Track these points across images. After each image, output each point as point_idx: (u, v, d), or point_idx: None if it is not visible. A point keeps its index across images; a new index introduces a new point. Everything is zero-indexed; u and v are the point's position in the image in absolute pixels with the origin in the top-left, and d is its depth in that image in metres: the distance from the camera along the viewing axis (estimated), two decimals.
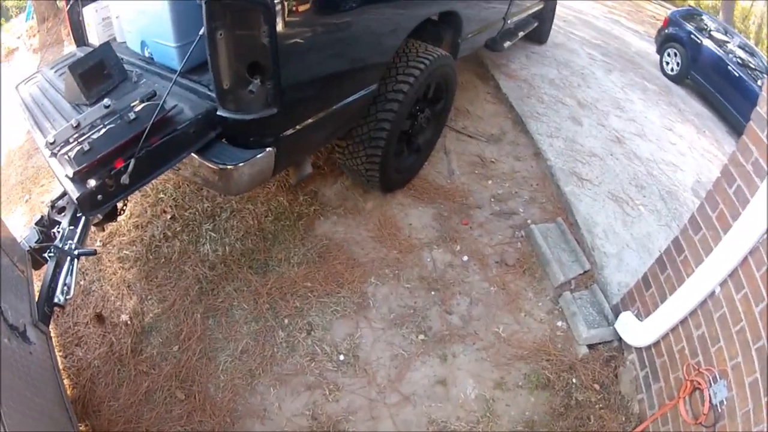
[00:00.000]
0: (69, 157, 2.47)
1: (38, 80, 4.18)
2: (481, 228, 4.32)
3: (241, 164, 2.80)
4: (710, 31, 12.43)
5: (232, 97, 2.81)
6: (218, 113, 2.86)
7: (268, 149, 2.90)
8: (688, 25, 12.62)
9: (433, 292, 3.83)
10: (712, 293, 2.81)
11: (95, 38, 4.36)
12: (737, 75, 10.92)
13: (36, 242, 3.19)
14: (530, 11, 7.54)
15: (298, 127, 3.08)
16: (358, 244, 4.04)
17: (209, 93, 2.98)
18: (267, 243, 3.98)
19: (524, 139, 5.76)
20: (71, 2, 4.44)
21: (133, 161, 2.51)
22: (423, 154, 4.66)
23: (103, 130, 2.58)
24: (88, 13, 4.30)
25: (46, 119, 3.37)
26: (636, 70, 10.71)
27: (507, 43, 6.37)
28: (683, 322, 3.04)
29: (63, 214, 3.25)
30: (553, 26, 9.72)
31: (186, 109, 2.89)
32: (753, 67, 11.24)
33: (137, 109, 2.69)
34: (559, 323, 3.79)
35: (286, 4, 2.63)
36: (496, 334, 3.69)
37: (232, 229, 4.05)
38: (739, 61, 11.33)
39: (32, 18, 17.40)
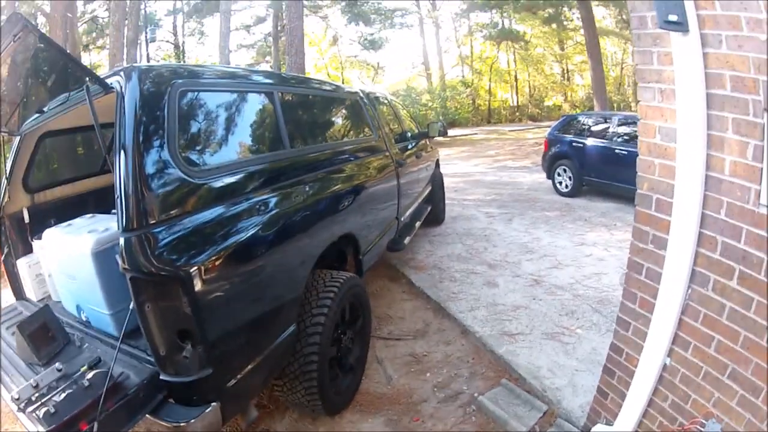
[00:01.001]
0: (38, 416, 2.67)
1: None
2: (433, 418, 4.45)
3: (192, 420, 2.96)
4: (589, 128, 12.82)
5: (169, 362, 3.03)
6: (161, 377, 3.06)
7: (213, 404, 3.06)
8: (566, 136, 13.10)
9: None
10: (664, 366, 3.01)
11: (31, 293, 4.61)
12: (625, 153, 11.07)
13: None
14: (420, 199, 8.19)
15: (234, 379, 3.27)
16: None
17: (149, 358, 3.19)
18: None
19: (448, 322, 6.12)
20: (5, 252, 4.71)
21: (96, 424, 2.68)
22: (357, 371, 4.82)
23: (63, 395, 2.78)
24: (22, 267, 4.58)
25: (4, 372, 3.55)
26: (533, 206, 11.53)
27: (407, 239, 6.94)
28: (650, 403, 3.18)
29: None
30: (445, 201, 10.54)
31: (132, 374, 3.09)
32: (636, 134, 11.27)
33: (89, 376, 2.92)
34: None
35: (202, 268, 2.95)
36: None
37: None
38: (625, 137, 11.54)
39: None
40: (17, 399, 2.88)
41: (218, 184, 3.42)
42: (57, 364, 3.10)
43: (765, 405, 2.54)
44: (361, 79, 44.08)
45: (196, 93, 3.54)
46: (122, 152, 2.92)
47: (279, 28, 33.71)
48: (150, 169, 2.99)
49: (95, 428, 2.69)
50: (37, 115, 4.33)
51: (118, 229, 2.87)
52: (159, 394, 3.07)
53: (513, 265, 7.74)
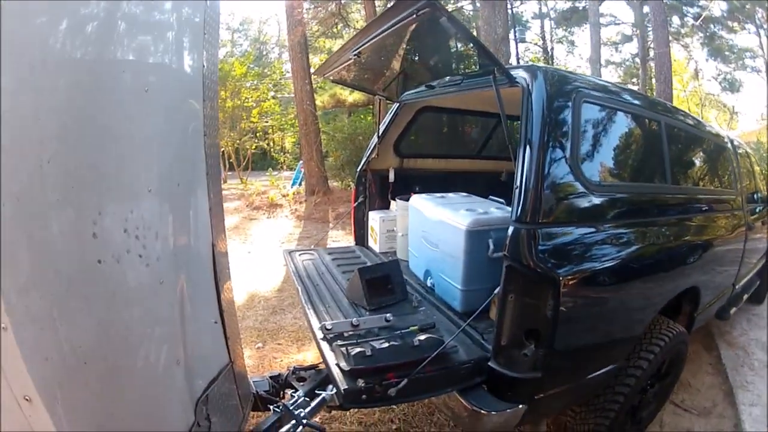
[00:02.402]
0: (349, 353, 2.85)
1: (315, 258, 4.75)
2: None
3: (496, 413, 2.99)
4: None
5: (506, 354, 3.09)
6: (488, 363, 3.12)
7: (520, 406, 3.07)
8: None
9: None
10: None
11: (374, 244, 4.96)
12: None
13: (265, 391, 3.42)
14: (754, 270, 7.64)
15: (552, 391, 3.27)
16: None
17: (483, 342, 3.32)
18: None
19: (730, 410, 5.67)
20: (359, 201, 5.15)
21: (406, 381, 2.79)
22: (642, 426, 4.65)
23: (387, 344, 2.95)
24: (375, 220, 4.92)
25: (320, 300, 3.94)
26: None
27: (733, 309, 6.54)
28: None
29: (302, 383, 3.50)
30: None
31: (461, 350, 3.20)
32: None
33: (421, 338, 3.07)
34: None
35: (571, 278, 3.01)
36: None
37: None
38: None
39: (300, 184, 19.52)
40: (329, 329, 3.10)
41: (602, 202, 3.45)
42: (387, 315, 3.31)
43: None
44: (718, 122, 41.81)
45: (596, 105, 3.58)
46: (528, 147, 3.05)
47: (644, 50, 32.76)
48: (552, 169, 3.10)
49: (403, 384, 2.80)
50: (424, 88, 4.57)
51: (511, 218, 2.99)
52: (478, 377, 3.14)
53: None
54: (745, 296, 7.30)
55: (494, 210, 4.10)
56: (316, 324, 3.41)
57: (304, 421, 3.06)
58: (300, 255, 4.98)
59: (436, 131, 6.22)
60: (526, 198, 2.97)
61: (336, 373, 2.87)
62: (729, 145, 6.27)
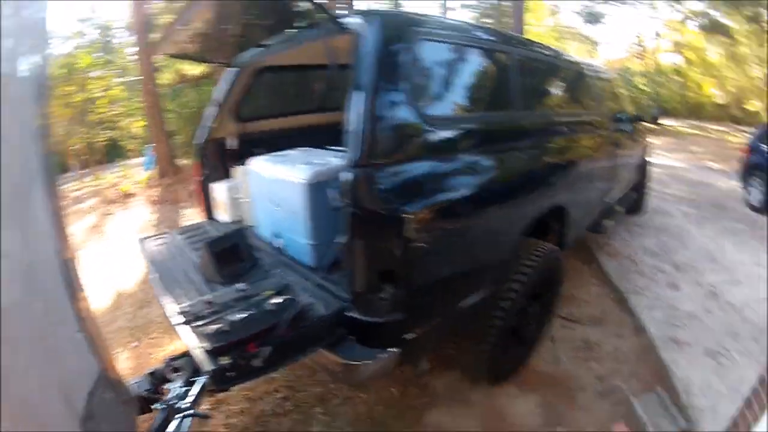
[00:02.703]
0: (207, 332, 2.82)
1: (168, 242, 4.64)
2: (583, 409, 4.45)
3: (368, 362, 3.04)
4: None
5: (363, 300, 3.12)
6: (348, 313, 3.16)
7: (392, 350, 3.13)
8: (765, 146, 11.72)
9: None
10: None
11: (223, 215, 4.91)
12: None
13: (147, 390, 3.26)
14: (627, 184, 8.08)
15: (421, 329, 3.31)
16: None
17: (340, 293, 3.33)
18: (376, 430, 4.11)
19: (626, 316, 6.07)
20: (204, 175, 5.03)
21: (268, 349, 2.80)
22: (530, 346, 4.86)
23: (242, 315, 2.94)
24: (220, 190, 4.86)
25: (176, 284, 3.78)
26: (726, 214, 10.97)
27: (609, 223, 6.88)
28: None
29: (178, 373, 3.32)
30: (647, 192, 10.22)
31: (318, 306, 3.21)
32: None
33: (274, 301, 3.08)
34: None
35: (419, 215, 3.03)
36: None
37: (343, 415, 4.21)
38: None
39: (152, 169, 18.71)
40: (186, 312, 3.07)
41: (444, 135, 3.51)
42: (239, 285, 3.32)
43: None
44: (579, 53, 42.79)
45: (433, 43, 3.58)
46: (359, 91, 3.03)
47: None
48: (385, 110, 3.10)
49: (267, 353, 2.81)
50: (259, 49, 4.53)
51: (346, 164, 2.97)
52: (341, 330, 3.19)
53: (697, 272, 7.51)
54: (620, 209, 7.72)
55: (334, 159, 4.15)
56: (173, 309, 3.33)
57: (191, 413, 2.94)
58: (153, 241, 4.88)
59: (278, 91, 6.07)
60: (358, 141, 2.98)
61: (198, 355, 2.86)
62: (588, 71, 6.54)
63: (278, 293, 3.26)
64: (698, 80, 41.99)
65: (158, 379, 3.34)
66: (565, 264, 4.93)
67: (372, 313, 3.15)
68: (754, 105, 40.87)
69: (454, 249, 3.49)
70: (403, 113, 3.21)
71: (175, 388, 3.10)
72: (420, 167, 3.27)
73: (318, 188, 3.84)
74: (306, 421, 4.25)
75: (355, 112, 3.02)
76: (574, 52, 40.23)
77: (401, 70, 3.26)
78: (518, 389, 4.62)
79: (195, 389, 3.03)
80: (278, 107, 6.03)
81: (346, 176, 2.96)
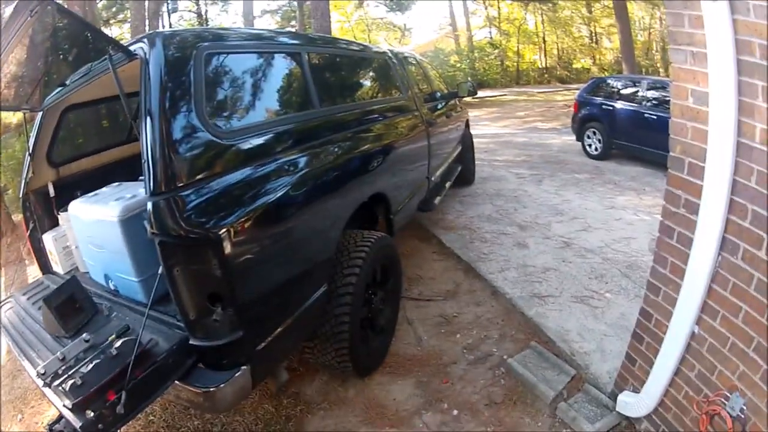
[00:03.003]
0: (64, 389, 2.64)
1: (13, 305, 4.38)
2: (462, 380, 4.44)
3: (222, 385, 2.95)
4: (618, 91, 12.59)
5: (199, 326, 3.01)
6: (190, 342, 3.04)
7: (243, 368, 3.05)
8: (596, 98, 12.80)
9: None
10: (692, 334, 2.97)
11: (58, 266, 4.62)
12: (655, 117, 10.94)
13: None
14: (450, 159, 8.19)
15: (265, 342, 3.25)
16: None
17: (178, 323, 3.18)
18: None
19: (478, 283, 6.10)
20: (31, 227, 4.74)
21: (124, 393, 2.66)
22: (388, 333, 4.84)
23: (91, 365, 2.75)
24: (48, 241, 4.58)
25: (30, 347, 3.57)
26: (563, 167, 11.48)
27: (438, 199, 6.93)
28: (677, 372, 3.16)
29: None
30: (475, 162, 10.51)
31: (161, 340, 3.07)
32: (668, 98, 10.57)
33: (117, 344, 2.88)
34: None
35: (231, 230, 2.92)
36: None
37: None
38: (654, 102, 11.36)
39: None
40: (43, 374, 2.86)
41: (247, 145, 3.39)
42: (84, 335, 3.09)
43: None
44: (388, 41, 43.70)
45: (222, 56, 3.51)
46: (148, 117, 2.89)
47: None
48: (176, 132, 2.96)
49: (123, 397, 2.69)
50: (59, 88, 4.32)
51: (146, 193, 2.84)
52: (188, 359, 3.07)
53: (543, 226, 7.71)
54: (448, 184, 7.84)
55: (143, 190, 3.94)
56: (32, 371, 3.18)
57: None
58: (2, 307, 4.58)
59: (86, 128, 5.88)
60: (155, 168, 2.83)
61: (67, 414, 2.68)
62: (393, 59, 6.58)
63: (119, 336, 3.08)
64: (518, 50, 43.66)
65: None
66: (401, 247, 5.08)
67: (211, 337, 3.03)
68: (585, 63, 42.95)
69: (281, 252, 3.45)
70: (197, 131, 3.09)
71: None
72: (230, 179, 3.16)
73: (131, 222, 3.64)
74: None
75: (146, 138, 2.89)
76: (384, 41, 41.07)
77: (189, 88, 3.13)
78: (389, 377, 4.57)
79: None
80: (90, 145, 5.71)
81: (150, 205, 2.83)
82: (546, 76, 43.86)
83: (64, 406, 2.67)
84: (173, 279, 2.88)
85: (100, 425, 2.61)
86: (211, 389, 2.96)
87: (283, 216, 3.42)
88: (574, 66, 44.48)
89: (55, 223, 4.77)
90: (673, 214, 3.02)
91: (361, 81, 5.75)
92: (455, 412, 4.16)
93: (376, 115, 5.35)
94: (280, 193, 3.39)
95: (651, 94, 11.52)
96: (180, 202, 2.82)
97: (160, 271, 2.92)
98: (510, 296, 5.53)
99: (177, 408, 4.41)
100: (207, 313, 2.98)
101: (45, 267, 4.86)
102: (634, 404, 3.61)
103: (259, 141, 3.52)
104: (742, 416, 2.76)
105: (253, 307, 3.16)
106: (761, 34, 2.26)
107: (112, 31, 34.95)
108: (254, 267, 3.16)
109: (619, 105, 12.14)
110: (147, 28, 20.47)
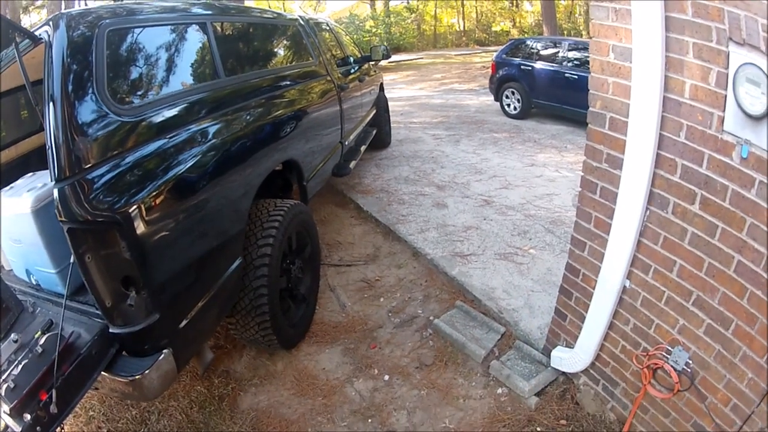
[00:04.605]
0: (1, 394, 2.58)
1: None
2: (390, 344, 4.47)
3: (146, 371, 2.92)
4: (538, 52, 12.82)
5: (116, 313, 2.93)
6: (111, 330, 2.97)
7: (165, 351, 3.02)
8: (515, 59, 13.08)
9: (369, 420, 3.89)
10: (624, 288, 3.03)
11: None
12: (576, 77, 11.21)
13: None
14: (365, 123, 8.20)
15: (184, 322, 3.22)
16: (284, 405, 4.08)
17: (97, 312, 3.06)
18: None
19: (399, 245, 6.13)
20: None
21: (54, 391, 2.62)
22: (310, 301, 4.82)
23: (20, 366, 2.68)
24: None
25: None
26: (481, 127, 11.58)
27: (353, 163, 6.92)
28: (611, 327, 3.23)
29: None
30: (391, 125, 10.50)
31: (82, 332, 3.00)
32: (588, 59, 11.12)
33: (42, 341, 2.81)
34: (499, 390, 3.92)
35: (141, 206, 2.85)
36: (445, 428, 3.76)
37: (166, 429, 4.04)
38: (576, 62, 11.67)
39: None
40: None
41: (154, 118, 3.29)
42: (13, 336, 2.99)
43: (737, 338, 2.52)
44: (303, 9, 43.34)
45: (126, 31, 3.40)
46: (51, 103, 2.78)
47: None
48: (80, 114, 2.85)
49: (54, 396, 2.63)
50: None
51: (51, 180, 2.73)
52: (111, 348, 3.01)
53: (462, 186, 7.76)
54: (363, 147, 7.89)
55: None
56: None
57: None
58: None
59: (4, 119, 5.64)
60: (59, 153, 2.71)
61: (7, 420, 2.62)
62: (305, 26, 6.56)
63: (43, 332, 2.98)
64: (436, 14, 43.73)
65: None
66: (318, 213, 5.09)
67: (129, 323, 2.97)
68: (505, 26, 43.28)
69: (192, 227, 3.38)
70: (100, 111, 2.97)
71: None
72: (137, 155, 3.06)
73: (43, 213, 3.49)
74: None
75: (48, 124, 2.77)
76: (300, 9, 40.77)
77: (92, 68, 3.02)
78: (317, 347, 4.57)
79: None
80: (9, 136, 5.44)
81: (56, 192, 2.70)
82: (464, 39, 44.10)
83: (3, 412, 2.61)
84: (85, 267, 2.80)
85: (38, 427, 2.59)
86: (137, 377, 2.92)
87: (192, 188, 3.33)
88: (493, 29, 44.77)
89: None
90: (594, 169, 3.05)
91: (271, 48, 5.69)
92: (386, 377, 4.19)
93: (286, 82, 5.30)
94: (188, 164, 3.31)
95: (572, 54, 11.80)
96: (86, 185, 2.73)
97: (72, 260, 2.82)
98: (431, 257, 5.55)
99: (113, 400, 4.35)
100: (122, 298, 2.92)
101: None
102: (568, 359, 3.67)
103: (168, 114, 3.42)
104: (689, 370, 2.80)
105: (167, 287, 3.10)
106: None
107: (32, 19, 33.91)
108: (166, 245, 3.09)
109: (539, 65, 12.35)
110: (63, 9, 19.91)
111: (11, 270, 4.17)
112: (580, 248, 3.31)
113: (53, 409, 2.62)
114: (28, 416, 2.54)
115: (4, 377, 2.68)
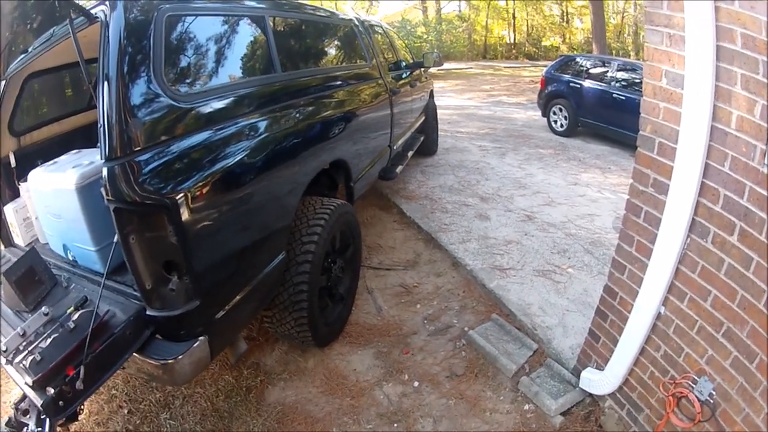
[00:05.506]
0: (24, 366, 2.60)
1: None
2: (423, 351, 4.46)
3: (180, 357, 2.93)
4: (587, 70, 12.72)
5: (155, 296, 2.96)
6: (147, 312, 2.99)
7: (200, 338, 3.03)
8: (564, 75, 13.05)
9: (395, 424, 3.88)
10: (659, 315, 3.01)
11: (19, 239, 4.55)
12: (624, 98, 11.12)
13: None
14: (413, 129, 8.18)
15: (223, 311, 3.22)
16: (311, 402, 4.08)
17: (135, 293, 3.11)
18: (225, 422, 3.98)
19: (439, 254, 6.11)
20: None
21: (82, 368, 2.65)
22: (348, 302, 4.82)
23: (49, 340, 2.71)
24: (8, 212, 4.50)
25: None
26: (527, 142, 11.50)
27: (399, 168, 6.91)
28: (642, 352, 3.20)
29: (28, 416, 3.16)
30: (439, 133, 10.45)
31: (118, 312, 3.02)
32: (638, 81, 10.97)
33: (75, 317, 2.84)
34: (526, 406, 3.88)
35: (188, 194, 2.87)
36: None
37: (189, 415, 4.05)
38: (624, 83, 11.54)
39: None
40: (5, 351, 2.81)
41: (206, 108, 3.32)
42: (44, 308, 3.03)
43: (759, 372, 2.48)
44: (355, 10, 43.39)
45: (184, 18, 3.42)
46: (105, 82, 2.80)
47: None
48: (134, 96, 2.88)
49: (82, 372, 2.66)
50: (21, 56, 4.24)
51: (101, 159, 2.76)
52: (146, 330, 3.03)
53: (505, 199, 7.72)
54: (410, 153, 7.87)
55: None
56: None
57: None
58: None
59: (49, 95, 5.70)
60: (111, 133, 2.73)
61: (28, 392, 2.68)
62: (359, 27, 6.57)
63: (77, 308, 3.00)
64: (487, 24, 43.63)
65: (15, 425, 3.14)
66: (362, 215, 5.06)
67: (167, 307, 2.99)
68: (554, 42, 43.12)
69: (239, 218, 3.39)
70: (156, 94, 2.98)
71: (31, 430, 2.95)
72: (188, 142, 3.09)
73: (87, 190, 3.52)
74: (158, 431, 4.01)
75: (102, 103, 2.77)
76: (351, 10, 40.83)
77: (149, 52, 3.04)
78: (349, 347, 4.57)
79: (46, 427, 2.83)
80: (52, 112, 5.52)
81: (105, 171, 2.72)
82: (514, 51, 43.99)
83: (25, 383, 2.65)
84: (128, 247, 2.82)
85: (60, 402, 2.60)
86: (169, 361, 2.93)
87: (241, 180, 3.36)
88: (542, 43, 44.61)
89: (16, 194, 4.65)
90: (640, 193, 3.02)
91: (325, 47, 5.69)
92: (416, 383, 4.17)
93: (339, 82, 5.31)
94: (238, 157, 3.34)
95: (621, 75, 11.65)
96: (136, 168, 2.75)
97: (115, 240, 2.85)
98: (471, 268, 5.53)
99: (138, 381, 4.38)
100: (163, 282, 2.94)
101: (6, 240, 4.76)
102: (597, 381, 3.63)
103: (220, 104, 3.44)
104: (711, 401, 2.77)
105: (210, 276, 3.11)
106: (744, 24, 2.26)
107: None
108: (211, 234, 3.11)
109: (588, 83, 12.25)
110: None
111: (47, 243, 4.24)
112: (620, 271, 3.28)
113: (79, 385, 2.66)
114: (51, 390, 2.58)
115: (30, 349, 2.73)
